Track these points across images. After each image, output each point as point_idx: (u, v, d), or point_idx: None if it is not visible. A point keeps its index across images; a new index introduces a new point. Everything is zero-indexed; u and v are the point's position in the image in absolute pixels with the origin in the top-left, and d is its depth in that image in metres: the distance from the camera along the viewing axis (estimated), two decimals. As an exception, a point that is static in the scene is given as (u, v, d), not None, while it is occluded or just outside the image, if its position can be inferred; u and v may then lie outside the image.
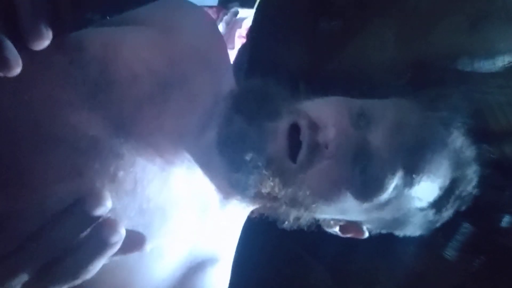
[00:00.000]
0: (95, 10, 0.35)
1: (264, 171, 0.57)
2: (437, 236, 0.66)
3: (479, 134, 0.63)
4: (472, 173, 0.62)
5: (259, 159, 0.57)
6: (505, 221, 0.66)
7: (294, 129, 0.58)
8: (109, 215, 0.50)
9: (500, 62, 0.65)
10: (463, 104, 0.65)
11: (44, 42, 0.33)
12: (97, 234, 0.40)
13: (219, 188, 0.61)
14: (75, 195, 0.42)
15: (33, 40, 0.33)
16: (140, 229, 0.52)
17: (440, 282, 0.70)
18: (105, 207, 0.41)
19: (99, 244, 0.40)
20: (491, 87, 0.67)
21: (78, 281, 0.40)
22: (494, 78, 0.66)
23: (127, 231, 0.44)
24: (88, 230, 0.41)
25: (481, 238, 0.67)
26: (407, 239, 0.68)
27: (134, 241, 0.45)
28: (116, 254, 0.42)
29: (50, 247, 0.39)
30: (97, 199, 0.41)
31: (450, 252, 0.68)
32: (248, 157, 0.56)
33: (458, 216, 0.64)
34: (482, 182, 0.63)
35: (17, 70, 0.33)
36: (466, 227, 0.66)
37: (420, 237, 0.66)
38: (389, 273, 0.73)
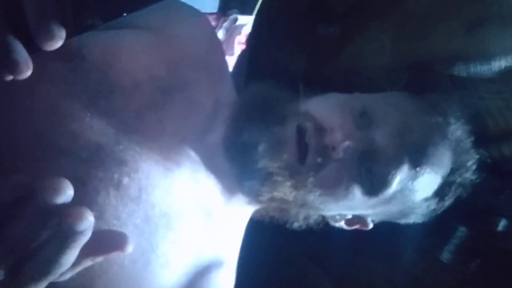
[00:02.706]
0: (96, 14, 0.34)
1: (276, 177, 0.57)
2: (434, 239, 0.67)
3: (476, 139, 0.64)
4: (471, 160, 0.64)
5: (271, 166, 0.57)
6: (501, 224, 0.67)
7: (300, 132, 0.59)
8: (114, 221, 0.50)
9: (496, 67, 0.66)
10: (460, 109, 0.65)
11: (57, 42, 0.31)
12: (61, 225, 0.34)
13: (224, 189, 0.61)
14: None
15: (46, 40, 0.31)
16: (145, 236, 0.52)
17: (437, 286, 0.71)
18: (65, 195, 0.35)
19: (66, 235, 0.35)
20: (487, 92, 0.68)
21: (54, 276, 0.36)
22: (490, 83, 0.67)
23: (108, 231, 0.41)
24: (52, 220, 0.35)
25: (477, 242, 0.67)
26: (405, 243, 0.68)
27: (116, 240, 0.42)
28: (97, 255, 0.39)
29: (12, 245, 0.34)
30: (53, 188, 0.35)
31: (446, 256, 0.68)
32: (261, 165, 0.57)
33: (454, 220, 0.65)
34: (479, 185, 0.63)
35: (27, 73, 0.32)
36: (462, 231, 0.66)
37: (417, 240, 0.67)
38: (386, 276, 0.73)
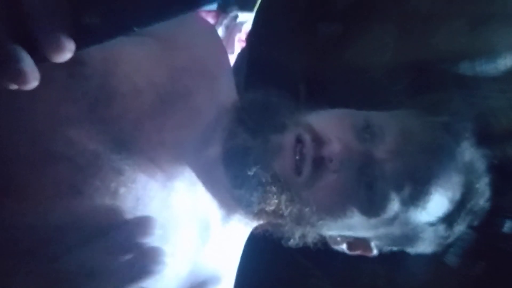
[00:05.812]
0: (107, 28, 0.34)
1: (268, 188, 0.56)
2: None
3: (480, 139, 0.63)
4: (483, 186, 0.60)
5: (264, 174, 0.55)
6: (506, 226, 0.66)
7: (299, 143, 0.57)
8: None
9: (502, 65, 0.65)
10: (464, 109, 0.64)
11: (66, 54, 0.31)
12: (138, 262, 0.40)
13: (222, 203, 0.59)
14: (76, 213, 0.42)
15: (55, 52, 0.31)
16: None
17: (441, 289, 0.70)
18: (152, 236, 0.41)
19: (139, 271, 0.40)
20: (493, 91, 0.67)
21: None
22: (496, 82, 0.66)
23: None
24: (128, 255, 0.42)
25: (481, 243, 0.66)
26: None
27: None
28: None
29: (82, 265, 0.40)
30: (145, 227, 0.41)
31: (450, 258, 0.67)
32: (251, 172, 0.55)
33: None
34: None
35: (34, 83, 0.31)
36: (466, 232, 0.65)
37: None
38: (388, 279, 0.73)
